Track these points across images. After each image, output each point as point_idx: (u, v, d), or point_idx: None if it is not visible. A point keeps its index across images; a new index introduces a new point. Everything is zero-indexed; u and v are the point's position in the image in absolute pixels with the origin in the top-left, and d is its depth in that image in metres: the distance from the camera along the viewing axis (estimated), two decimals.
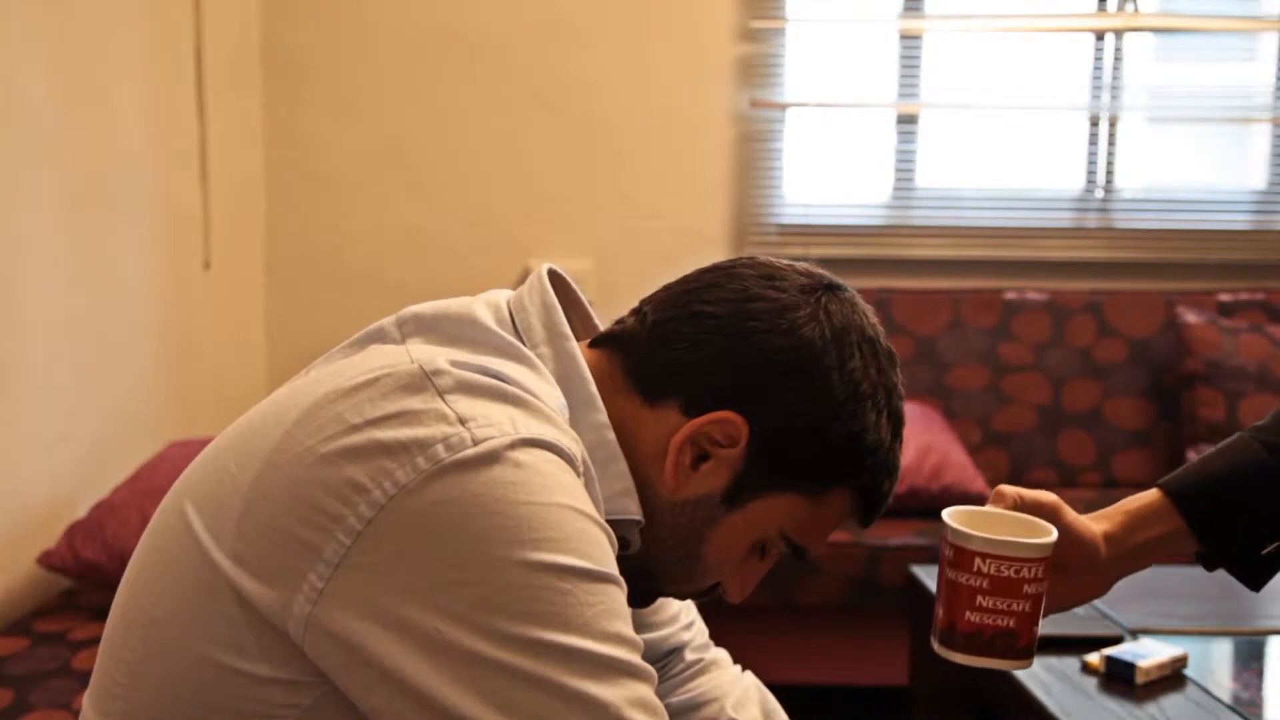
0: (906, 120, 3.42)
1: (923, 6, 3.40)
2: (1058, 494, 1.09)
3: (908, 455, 2.81)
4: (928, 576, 2.02)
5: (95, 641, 1.96)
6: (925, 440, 2.85)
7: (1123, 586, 2.17)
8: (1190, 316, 3.16)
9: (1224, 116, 3.55)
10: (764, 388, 0.92)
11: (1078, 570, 1.07)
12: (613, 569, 0.83)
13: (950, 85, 3.44)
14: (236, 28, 3.14)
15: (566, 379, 0.92)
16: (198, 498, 0.88)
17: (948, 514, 0.99)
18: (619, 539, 0.95)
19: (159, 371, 2.72)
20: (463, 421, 0.82)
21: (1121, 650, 1.64)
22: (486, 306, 0.95)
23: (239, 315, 3.20)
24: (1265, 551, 1.12)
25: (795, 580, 2.68)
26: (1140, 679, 1.60)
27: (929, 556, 2.63)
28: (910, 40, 3.39)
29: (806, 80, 3.39)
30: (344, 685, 0.82)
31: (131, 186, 2.59)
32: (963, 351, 3.24)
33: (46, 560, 2.15)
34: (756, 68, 3.33)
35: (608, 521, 0.91)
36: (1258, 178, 3.52)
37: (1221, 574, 1.16)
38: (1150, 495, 1.13)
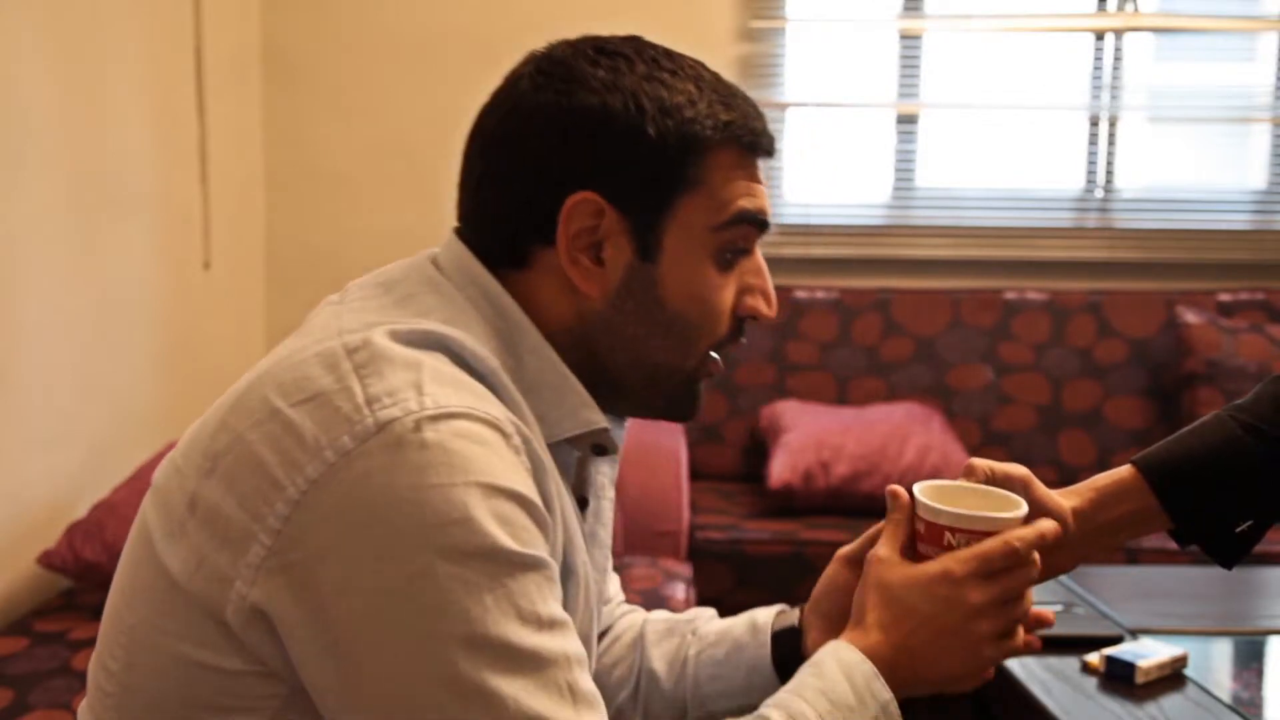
0: (906, 120, 3.42)
1: (923, 6, 3.40)
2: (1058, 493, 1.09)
3: (908, 455, 2.81)
4: None
5: (95, 641, 1.97)
6: (925, 440, 2.85)
7: (1123, 586, 2.17)
8: (1190, 316, 3.16)
9: (1224, 116, 3.55)
10: (573, 161, 0.91)
11: (1046, 546, 1.07)
12: (530, 546, 0.81)
13: (950, 85, 3.44)
14: (236, 28, 3.14)
15: (496, 313, 0.92)
16: (155, 499, 0.90)
17: (919, 488, 0.99)
18: (597, 446, 0.96)
19: (159, 371, 2.72)
20: (370, 403, 0.81)
21: (1121, 650, 1.64)
22: (422, 255, 0.97)
23: (239, 315, 3.20)
24: (1239, 530, 1.12)
25: (795, 580, 2.68)
26: (1140, 679, 1.60)
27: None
28: (910, 40, 3.39)
29: (806, 80, 3.40)
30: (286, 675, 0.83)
31: (131, 186, 2.59)
32: (963, 351, 3.24)
33: (46, 560, 2.15)
34: (756, 68, 3.33)
35: (577, 437, 0.92)
36: (1258, 178, 3.52)
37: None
38: (1123, 472, 1.13)
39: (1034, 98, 3.45)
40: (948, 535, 0.96)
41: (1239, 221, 3.49)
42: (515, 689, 0.78)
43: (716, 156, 0.93)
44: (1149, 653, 1.63)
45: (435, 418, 0.80)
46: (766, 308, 0.98)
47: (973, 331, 3.25)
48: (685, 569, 2.55)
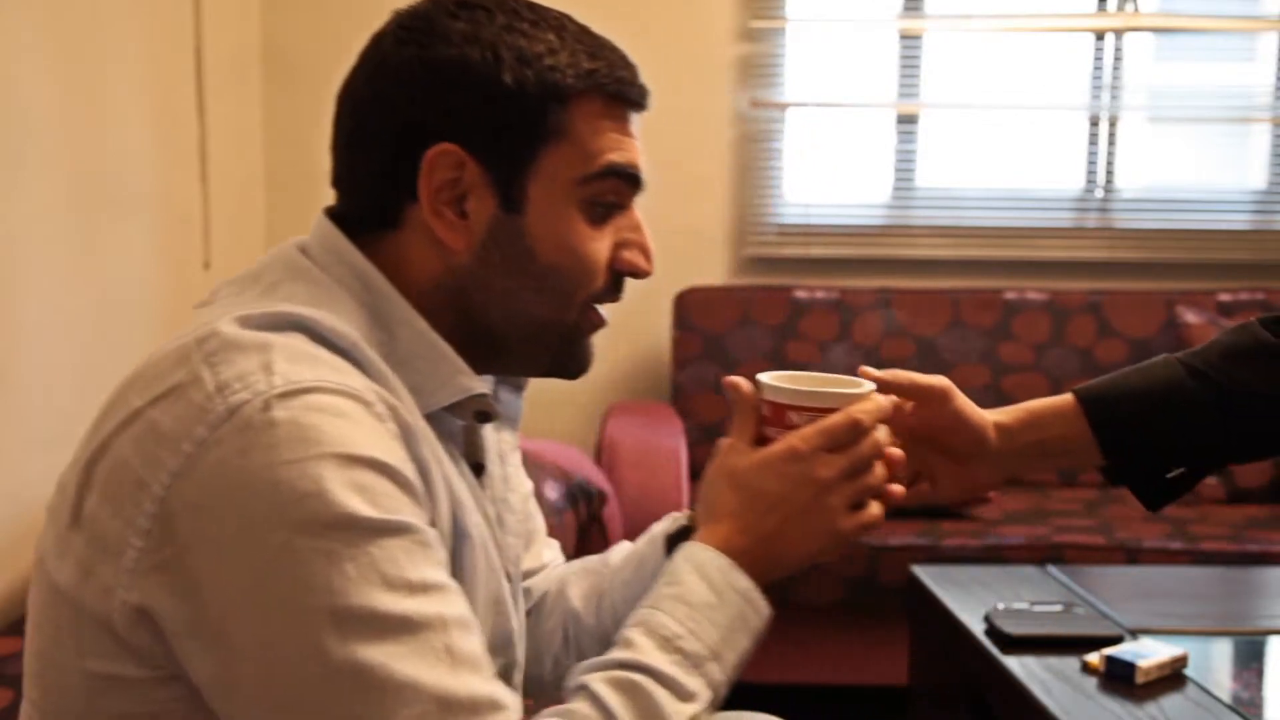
0: (906, 120, 3.42)
1: (923, 6, 3.40)
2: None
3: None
4: (928, 576, 2.02)
5: None
6: None
7: (1123, 586, 2.17)
8: (1190, 316, 3.16)
9: (1224, 116, 3.55)
10: (433, 113, 0.91)
11: (964, 457, 1.07)
12: (393, 512, 0.80)
13: (950, 85, 3.44)
14: (236, 28, 3.14)
15: (364, 288, 0.92)
16: (48, 517, 0.90)
17: (764, 374, 0.99)
18: (480, 413, 0.95)
19: None
20: (220, 390, 0.80)
21: (1121, 650, 1.64)
22: (289, 242, 0.96)
23: None
24: (1170, 475, 1.11)
25: (795, 580, 2.68)
26: (1140, 679, 1.60)
27: (929, 556, 2.63)
28: (910, 40, 3.39)
29: (806, 80, 3.40)
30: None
31: (131, 186, 2.59)
32: (963, 351, 3.24)
33: None
34: (756, 68, 3.33)
35: (458, 405, 0.92)
36: (1258, 178, 3.52)
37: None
38: (1061, 398, 1.12)
39: (1034, 98, 3.45)
40: (791, 415, 0.95)
41: (1239, 221, 3.49)
42: (385, 656, 0.77)
43: (581, 106, 0.93)
44: (1149, 653, 1.63)
45: (285, 395, 0.80)
46: (644, 262, 0.97)
47: (973, 331, 3.25)
48: None
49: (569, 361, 0.99)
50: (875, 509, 0.96)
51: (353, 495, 0.78)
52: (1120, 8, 3.39)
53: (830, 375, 1.02)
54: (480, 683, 0.80)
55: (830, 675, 2.74)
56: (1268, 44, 3.51)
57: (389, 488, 0.80)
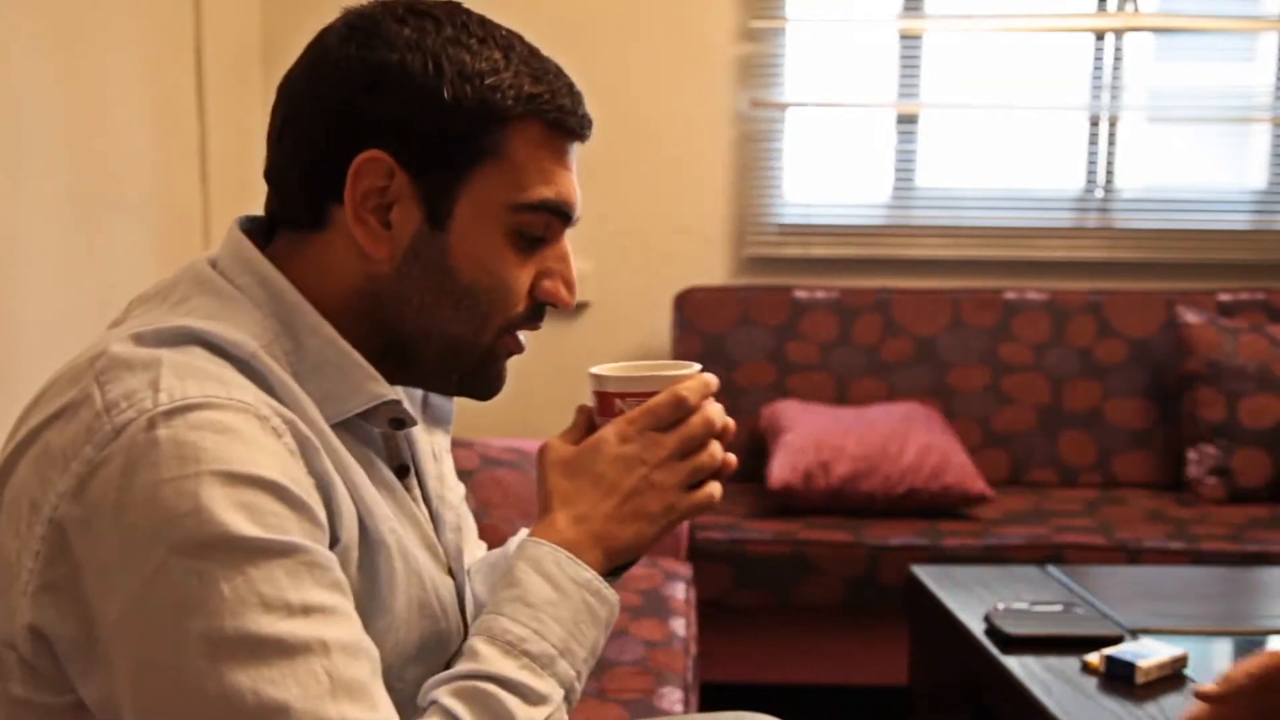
0: (906, 120, 3.42)
1: (923, 6, 3.40)
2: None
3: (908, 455, 2.81)
4: (928, 576, 2.02)
5: None
6: (925, 440, 2.85)
7: (1123, 586, 2.17)
8: (1190, 316, 3.16)
9: (1224, 116, 3.55)
10: (367, 117, 0.90)
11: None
12: (279, 532, 0.78)
13: (950, 85, 3.44)
14: (236, 28, 3.14)
15: (271, 297, 0.91)
16: None
17: (594, 367, 0.99)
18: (395, 420, 0.94)
19: None
20: (108, 409, 0.80)
21: (1121, 650, 1.64)
22: (200, 256, 0.96)
23: None
24: None
25: (795, 580, 2.68)
26: (1140, 679, 1.60)
27: (929, 556, 2.63)
28: (910, 40, 3.39)
29: (806, 80, 3.40)
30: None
31: (131, 186, 2.59)
32: (963, 351, 3.24)
33: None
34: (756, 68, 3.33)
35: (371, 412, 0.91)
36: (1258, 178, 3.52)
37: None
38: None
39: (1034, 98, 3.45)
40: (617, 403, 0.96)
41: (1239, 221, 3.49)
42: (258, 680, 0.75)
43: (520, 131, 0.91)
44: (1149, 653, 1.64)
45: (169, 413, 0.79)
46: (566, 294, 0.96)
47: (973, 331, 3.25)
48: (685, 569, 2.55)
49: (479, 383, 0.98)
50: (713, 487, 0.96)
51: (235, 514, 0.77)
52: (1120, 8, 3.39)
53: (662, 362, 1.02)
54: (359, 711, 0.78)
55: (830, 675, 2.74)
56: (1268, 44, 3.50)
57: (276, 506, 0.79)
